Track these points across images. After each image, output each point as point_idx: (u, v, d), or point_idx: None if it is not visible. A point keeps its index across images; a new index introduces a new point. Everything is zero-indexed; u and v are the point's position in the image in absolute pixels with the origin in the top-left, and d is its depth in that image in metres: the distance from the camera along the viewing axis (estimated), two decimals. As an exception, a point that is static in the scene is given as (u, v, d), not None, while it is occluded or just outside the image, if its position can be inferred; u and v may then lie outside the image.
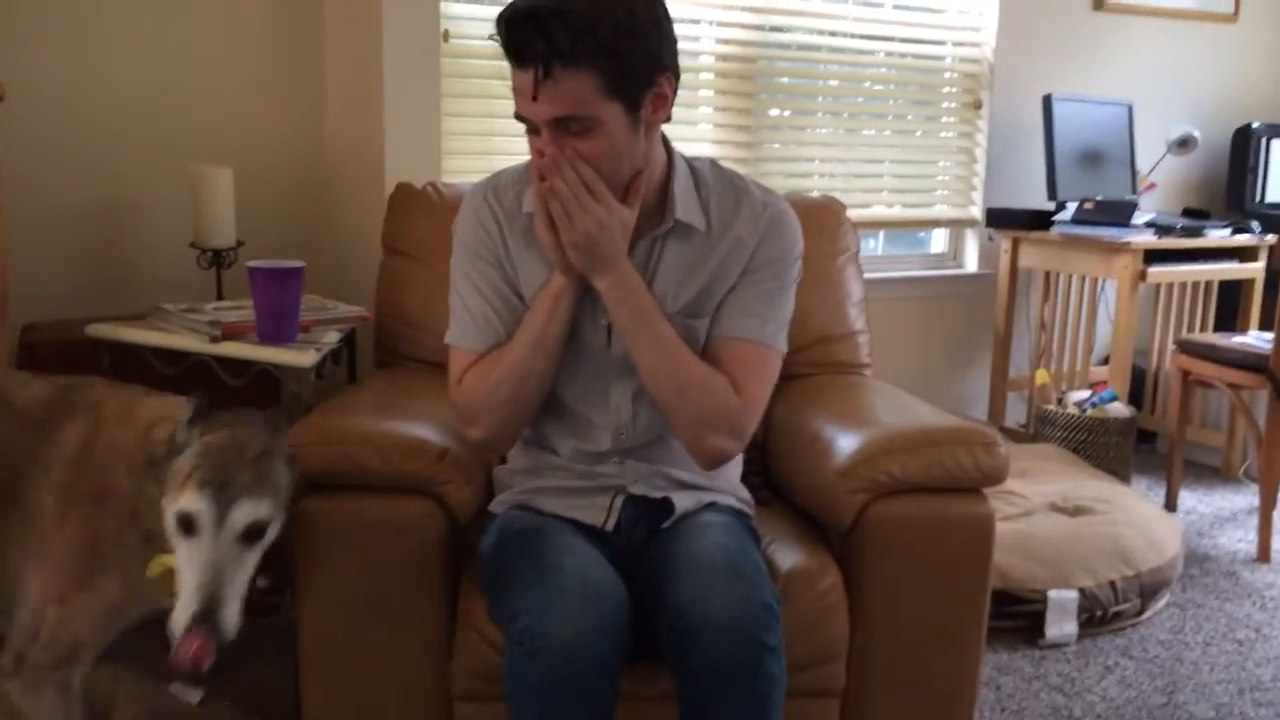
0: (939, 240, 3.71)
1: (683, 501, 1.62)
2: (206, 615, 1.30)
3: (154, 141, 2.40)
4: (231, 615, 1.32)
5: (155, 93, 2.40)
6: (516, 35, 1.37)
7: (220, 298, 2.21)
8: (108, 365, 2.01)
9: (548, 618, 1.34)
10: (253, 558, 1.38)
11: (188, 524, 1.34)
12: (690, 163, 1.61)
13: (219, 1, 2.45)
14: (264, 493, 1.38)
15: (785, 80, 3.25)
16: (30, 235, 2.20)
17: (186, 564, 1.34)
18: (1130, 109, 3.68)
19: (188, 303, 2.06)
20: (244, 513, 1.35)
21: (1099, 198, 3.41)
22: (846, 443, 1.78)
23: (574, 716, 1.34)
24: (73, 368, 2.06)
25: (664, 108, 1.47)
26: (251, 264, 1.88)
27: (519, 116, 1.43)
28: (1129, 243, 3.21)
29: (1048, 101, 3.42)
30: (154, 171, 2.40)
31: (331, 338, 2.00)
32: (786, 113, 3.25)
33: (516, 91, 1.41)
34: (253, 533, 1.37)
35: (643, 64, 1.41)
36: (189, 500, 1.33)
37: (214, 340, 1.89)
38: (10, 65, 2.16)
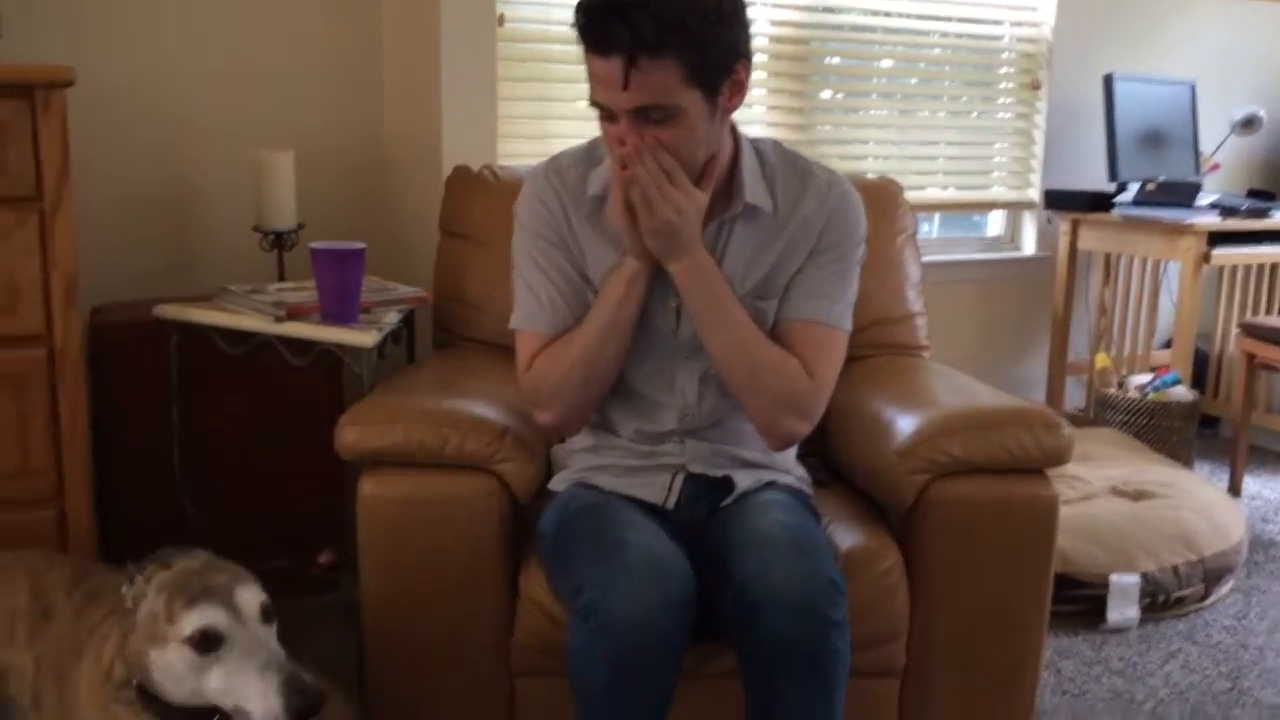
0: (995, 223, 3.66)
1: (743, 480, 1.63)
2: (297, 696, 1.25)
3: (217, 127, 2.44)
4: (313, 680, 1.28)
5: (219, 79, 2.43)
6: (599, 25, 1.36)
7: (282, 279, 2.24)
8: (175, 345, 2.05)
9: (613, 593, 1.35)
10: (274, 638, 1.34)
11: (209, 639, 1.28)
12: (755, 144, 1.61)
13: (279, -12, 2.48)
14: (249, 577, 1.36)
15: (837, 61, 3.22)
16: (99, 219, 2.24)
17: (234, 670, 1.28)
18: (1193, 88, 3.60)
19: (253, 284, 2.09)
20: (251, 594, 1.33)
21: (1161, 179, 3.35)
22: (906, 423, 1.77)
23: (639, 691, 1.35)
24: (141, 348, 2.11)
25: (740, 94, 1.47)
26: (314, 245, 1.90)
27: (595, 103, 1.43)
28: (1192, 224, 3.15)
29: (1109, 81, 3.36)
30: (217, 156, 2.43)
31: (392, 318, 2.02)
32: (839, 94, 3.22)
33: (595, 79, 1.41)
34: (267, 612, 1.34)
35: (724, 52, 1.41)
36: (195, 617, 1.28)
37: (279, 320, 1.92)
38: (80, 52, 2.20)
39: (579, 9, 1.39)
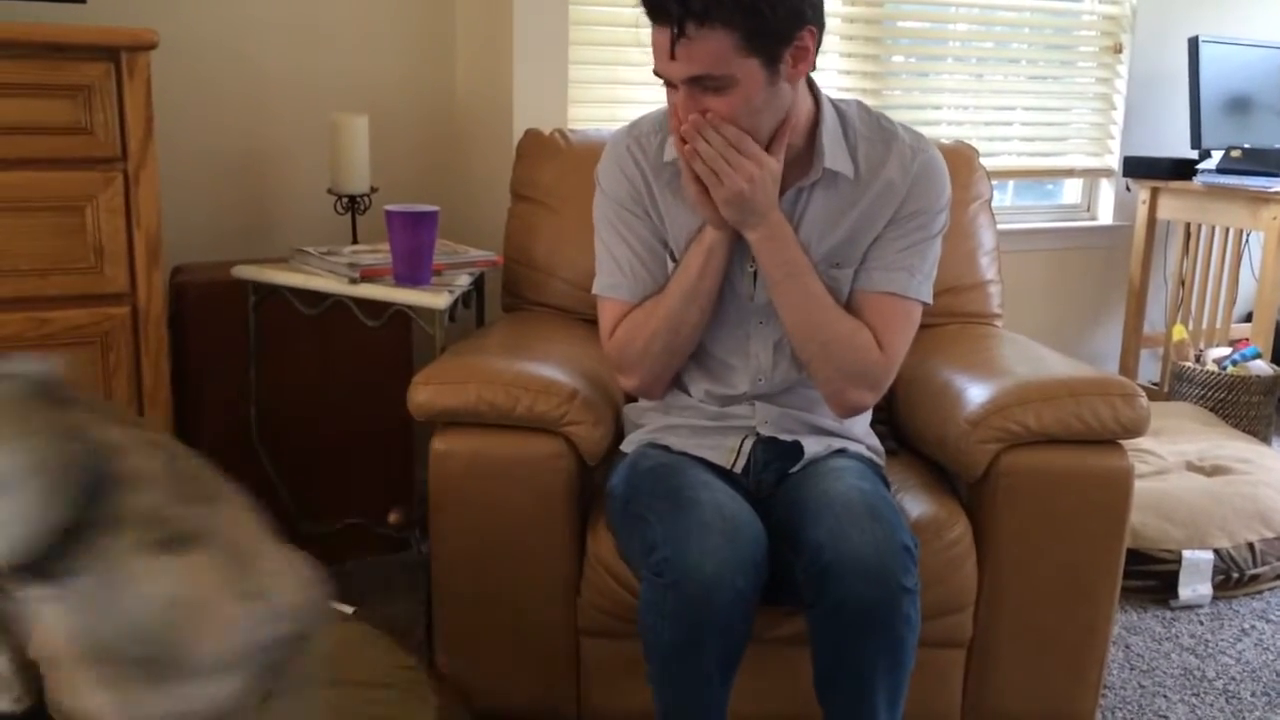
0: (1072, 191, 3.58)
1: (812, 446, 1.62)
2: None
3: (294, 90, 2.47)
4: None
5: (295, 43, 2.46)
6: None
7: (355, 241, 2.27)
8: (252, 305, 2.09)
9: (687, 550, 1.36)
10: None
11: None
12: (837, 106, 1.59)
13: (353, -49, 2.50)
14: None
15: (910, 25, 3.16)
16: (179, 180, 2.29)
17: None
18: (1283, 52, 3.48)
19: (326, 246, 2.12)
20: None
21: (1247, 146, 3.24)
22: (978, 392, 1.75)
23: (711, 648, 1.35)
24: (220, 307, 2.16)
25: (805, 61, 1.44)
26: (389, 208, 1.92)
27: (657, 73, 1.43)
28: (1279, 193, 3.06)
29: (1194, 45, 3.26)
30: (293, 119, 2.47)
31: (463, 281, 2.04)
32: (912, 58, 3.17)
33: (655, 48, 1.41)
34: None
35: (783, 20, 1.38)
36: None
37: (353, 282, 1.95)
38: (161, 16, 2.24)
39: None
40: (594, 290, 1.65)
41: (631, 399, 1.77)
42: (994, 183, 3.21)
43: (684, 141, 1.43)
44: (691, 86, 1.40)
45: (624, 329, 1.60)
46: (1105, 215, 3.52)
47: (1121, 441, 1.71)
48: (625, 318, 1.60)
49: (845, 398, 1.58)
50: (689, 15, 1.33)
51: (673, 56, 1.37)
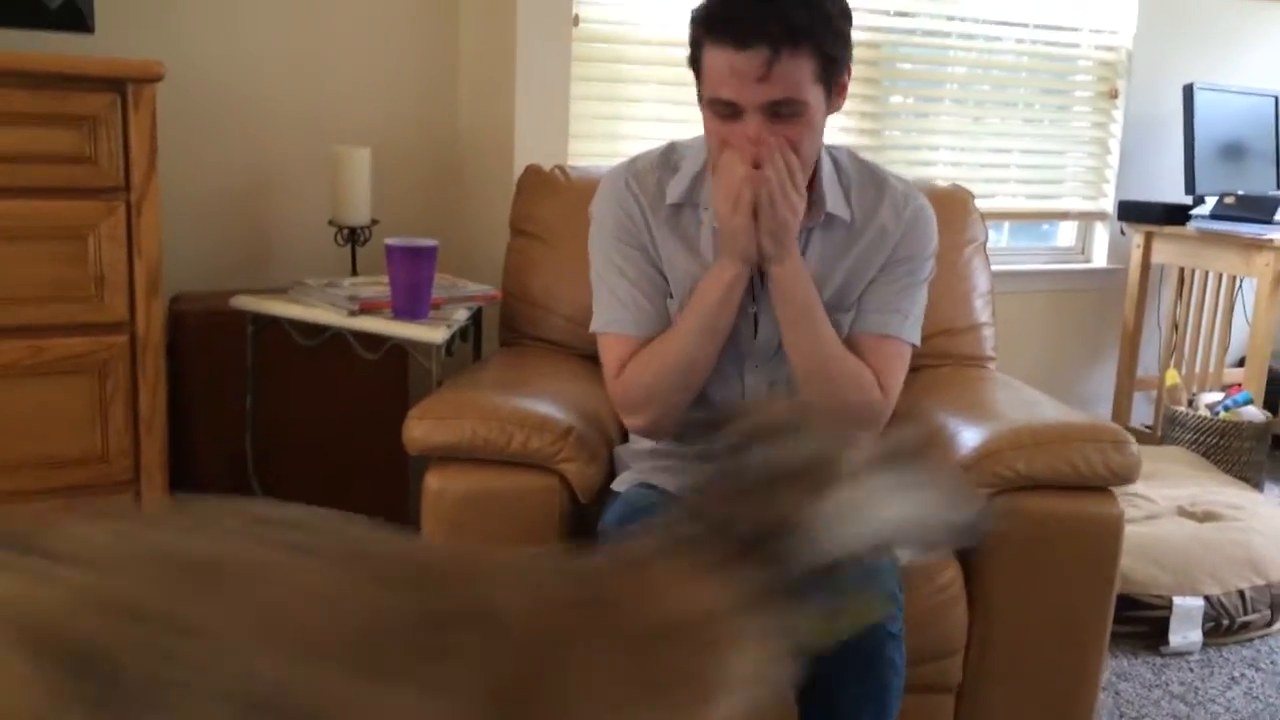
0: (1066, 233, 3.61)
1: (804, 488, 1.63)
2: None
3: (296, 122, 2.49)
4: None
5: (299, 75, 2.49)
6: (749, 15, 1.36)
7: (355, 273, 2.28)
8: (251, 335, 2.10)
9: None
10: None
11: None
12: (830, 151, 1.61)
13: (359, -15, 2.53)
14: None
15: (909, 67, 3.19)
16: (181, 209, 2.30)
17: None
18: (1277, 100, 3.52)
19: (326, 277, 2.14)
20: None
21: (1240, 192, 3.28)
22: (971, 436, 1.76)
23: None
24: (218, 337, 2.17)
25: (843, 97, 1.48)
26: (389, 242, 1.94)
27: (717, 101, 1.41)
28: (1271, 240, 3.08)
29: (1189, 91, 3.30)
30: (296, 151, 2.49)
31: (461, 315, 2.05)
32: (910, 99, 3.20)
33: (725, 74, 1.38)
34: None
35: (845, 50, 1.43)
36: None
37: (352, 314, 1.96)
38: (166, 46, 2.27)
39: (725, 4, 1.38)
40: (594, 328, 1.64)
41: (624, 438, 1.77)
42: (991, 224, 3.24)
43: (757, 165, 1.41)
44: (765, 115, 1.39)
45: (633, 367, 1.57)
46: (1100, 258, 3.55)
47: (1124, 486, 1.72)
48: (633, 355, 1.57)
49: None
50: (787, 38, 1.35)
51: (760, 79, 1.37)
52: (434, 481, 1.65)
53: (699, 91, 1.46)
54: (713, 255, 1.57)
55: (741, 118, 1.41)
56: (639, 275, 1.58)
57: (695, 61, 1.44)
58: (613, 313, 1.60)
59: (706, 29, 1.39)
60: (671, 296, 1.59)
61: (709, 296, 1.52)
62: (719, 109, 1.42)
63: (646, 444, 1.70)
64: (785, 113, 1.40)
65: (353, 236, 2.29)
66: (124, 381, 1.85)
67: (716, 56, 1.39)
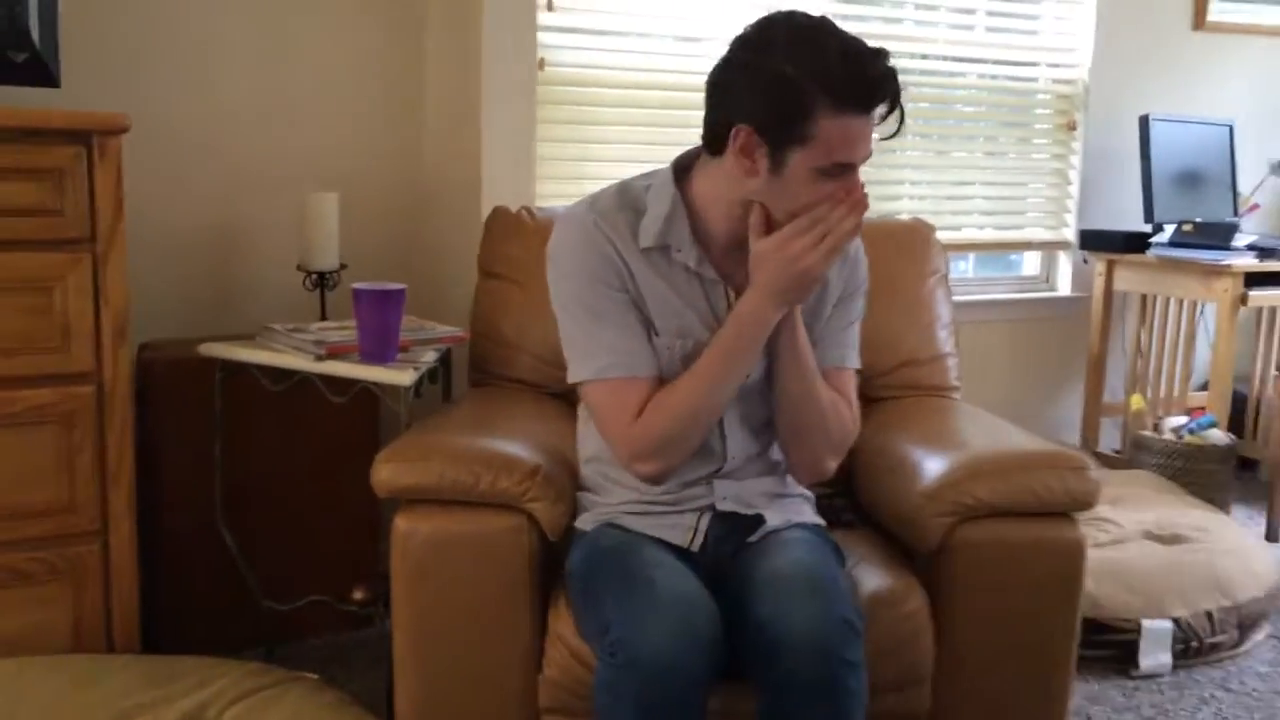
0: (1031, 263, 3.66)
1: (773, 518, 1.65)
2: None
3: (264, 169, 2.51)
4: None
5: (267, 123, 2.51)
6: (887, 81, 1.43)
7: (324, 318, 2.30)
8: (219, 382, 2.11)
9: (640, 631, 1.37)
10: None
11: None
12: None
13: (327, 35, 2.56)
14: None
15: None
16: (149, 257, 2.31)
17: None
18: (1231, 129, 3.59)
19: (294, 323, 2.15)
20: None
21: (1198, 220, 3.34)
22: (933, 465, 1.78)
23: (666, 730, 1.36)
24: (187, 384, 2.17)
25: None
26: (356, 286, 1.95)
27: (839, 165, 1.45)
28: (1229, 265, 3.14)
29: (1145, 122, 3.37)
30: (263, 197, 2.51)
31: (429, 357, 2.06)
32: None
33: (844, 138, 1.43)
34: None
35: None
36: None
37: (319, 359, 1.97)
38: (132, 94, 2.29)
39: (851, 76, 1.41)
40: (582, 376, 1.58)
41: (580, 485, 1.77)
42: (957, 255, 3.28)
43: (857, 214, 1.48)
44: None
45: (653, 412, 1.54)
46: (1064, 287, 3.60)
47: (1083, 512, 1.75)
48: (647, 399, 1.54)
49: (820, 466, 1.66)
50: (899, 96, 1.45)
51: (867, 139, 1.46)
52: (402, 523, 1.66)
53: (783, 155, 1.44)
54: (701, 296, 1.59)
55: (845, 174, 1.47)
56: (626, 316, 1.56)
57: (798, 129, 1.42)
58: (607, 358, 1.55)
59: (835, 103, 1.40)
60: (657, 335, 1.59)
61: (748, 337, 1.53)
62: (834, 171, 1.46)
63: (621, 495, 1.68)
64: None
65: (321, 281, 2.30)
66: (91, 431, 1.85)
67: (842, 124, 1.42)
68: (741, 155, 1.47)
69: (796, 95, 1.40)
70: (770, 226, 1.50)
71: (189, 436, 2.19)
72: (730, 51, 1.48)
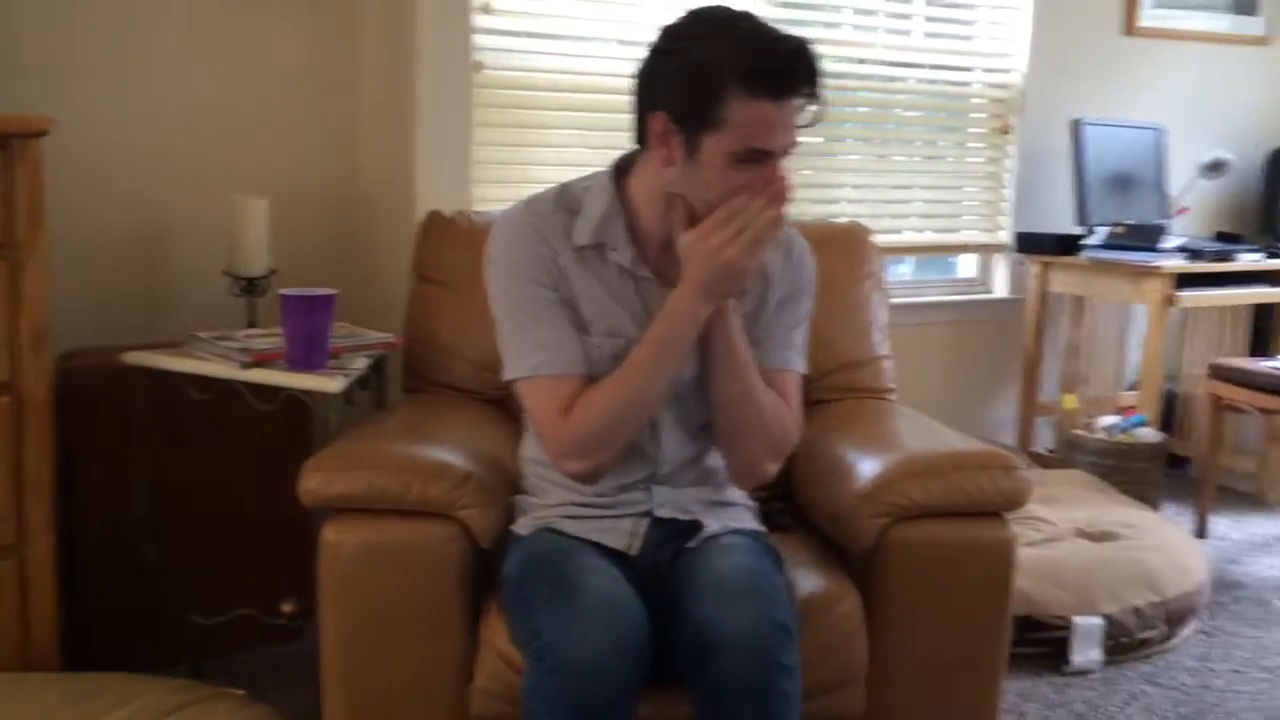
0: (968, 265, 3.71)
1: (711, 524, 1.65)
2: None
3: (191, 171, 2.46)
4: None
5: (194, 124, 2.46)
6: (800, 67, 1.43)
7: (253, 325, 2.25)
8: (143, 391, 2.07)
9: (568, 637, 1.36)
10: None
11: None
12: None
13: (258, 36, 2.52)
14: None
15: (815, 107, 3.25)
16: (71, 262, 2.25)
17: None
18: (1161, 133, 3.67)
19: (221, 330, 2.11)
20: None
21: (1129, 222, 3.40)
22: (867, 467, 1.79)
23: (593, 734, 1.35)
24: (110, 394, 2.12)
25: None
26: (283, 291, 1.92)
27: (753, 151, 1.44)
28: (1158, 267, 3.20)
29: (1077, 126, 3.42)
30: (190, 201, 2.46)
31: (361, 364, 2.03)
32: (817, 139, 3.27)
33: (759, 124, 1.43)
34: None
35: None
36: None
37: (245, 367, 1.94)
38: (56, 99, 2.23)
39: (762, 60, 1.41)
40: (515, 374, 1.58)
41: (517, 489, 1.76)
42: (895, 258, 3.30)
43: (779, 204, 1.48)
44: (780, 158, 1.47)
45: (582, 409, 1.53)
46: (1000, 289, 3.65)
47: (1014, 511, 1.76)
48: (575, 396, 1.54)
49: (760, 469, 1.64)
50: (814, 88, 1.44)
51: (788, 127, 1.45)
52: (331, 533, 1.64)
53: (696, 141, 1.44)
54: (634, 295, 1.59)
55: (763, 164, 1.46)
56: (558, 316, 1.57)
57: (709, 113, 1.42)
58: (538, 356, 1.55)
59: (746, 86, 1.40)
60: (589, 334, 1.59)
61: (678, 331, 1.52)
62: (749, 157, 1.45)
63: (559, 496, 1.67)
64: (786, 155, 1.48)
65: (250, 287, 2.26)
66: (6, 443, 1.79)
67: (754, 109, 1.42)
68: (659, 144, 1.48)
69: (706, 79, 1.41)
70: (694, 221, 1.50)
71: (111, 447, 2.14)
72: (653, 42, 1.50)
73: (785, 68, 1.42)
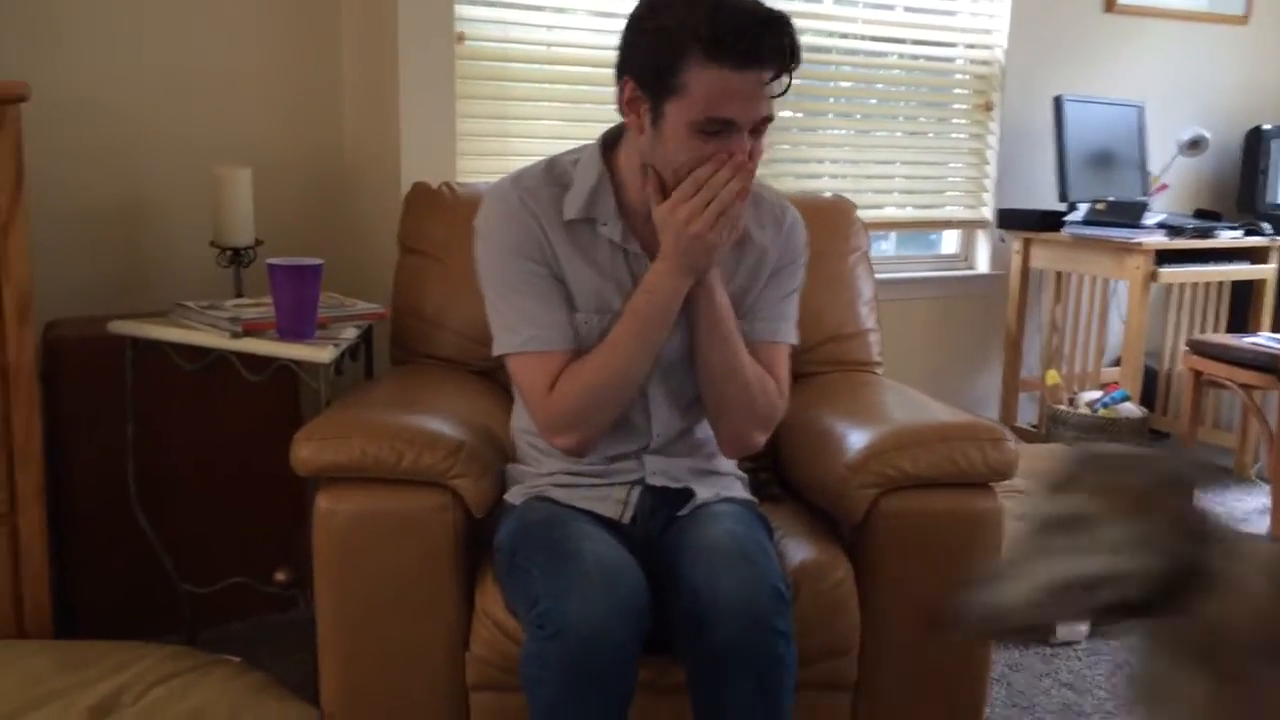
0: (950, 241, 3.72)
1: (703, 492, 1.66)
2: None
3: (176, 142, 2.44)
4: None
5: (178, 94, 2.43)
6: (756, 39, 1.39)
7: (239, 296, 2.24)
8: (130, 361, 2.05)
9: (568, 602, 1.36)
10: None
11: None
12: None
13: (241, 6, 2.49)
14: None
15: (797, 82, 3.24)
16: (54, 233, 2.23)
17: None
18: (1141, 110, 3.69)
19: (208, 300, 2.09)
20: None
21: (1110, 199, 3.42)
22: (857, 438, 1.80)
23: (594, 699, 1.36)
24: (96, 363, 2.10)
25: None
26: (271, 261, 1.91)
27: (713, 120, 1.42)
28: (1140, 243, 3.23)
29: (1058, 103, 3.44)
30: (176, 171, 2.43)
31: (349, 334, 2.02)
32: (798, 114, 3.27)
33: (726, 94, 1.41)
34: None
35: None
36: None
37: (235, 336, 1.92)
38: (37, 66, 2.20)
39: (724, 27, 1.38)
40: (504, 349, 1.58)
41: (509, 458, 1.76)
42: (877, 234, 3.31)
43: (729, 182, 1.45)
44: (752, 132, 1.45)
45: (566, 383, 1.53)
46: (982, 265, 3.66)
47: (999, 483, 1.78)
48: (562, 371, 1.54)
49: (747, 440, 1.65)
50: (791, 58, 1.42)
51: (755, 99, 1.42)
52: (324, 502, 1.63)
53: (660, 108, 1.44)
54: (624, 270, 1.58)
55: (728, 135, 1.44)
56: (547, 291, 1.56)
57: (671, 79, 1.41)
58: (527, 331, 1.55)
59: (705, 52, 1.39)
60: (576, 310, 1.58)
61: (658, 305, 1.52)
62: (710, 127, 1.43)
63: (551, 465, 1.68)
64: (761, 130, 1.46)
65: (236, 258, 2.24)
66: (-5, 412, 1.78)
67: (714, 77, 1.40)
68: (630, 110, 1.48)
69: (668, 44, 1.41)
70: (666, 192, 1.50)
71: (100, 417, 2.13)
72: (632, 9, 1.50)
73: (749, 36, 1.40)
